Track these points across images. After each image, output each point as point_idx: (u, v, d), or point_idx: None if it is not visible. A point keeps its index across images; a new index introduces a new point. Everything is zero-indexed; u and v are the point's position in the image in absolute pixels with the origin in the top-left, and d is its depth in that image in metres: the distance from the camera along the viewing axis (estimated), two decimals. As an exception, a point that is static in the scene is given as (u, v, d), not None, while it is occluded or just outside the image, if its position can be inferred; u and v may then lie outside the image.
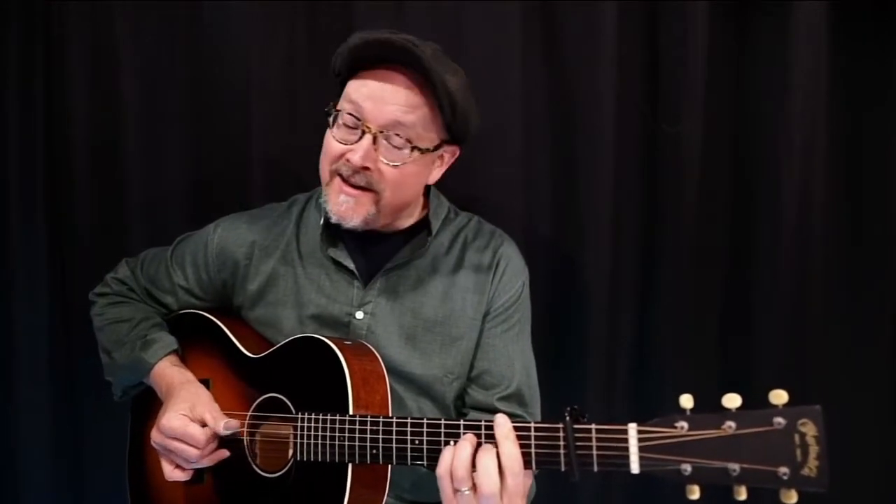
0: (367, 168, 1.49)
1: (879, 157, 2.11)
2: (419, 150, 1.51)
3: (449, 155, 1.64)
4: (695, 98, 2.08)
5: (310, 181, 1.79)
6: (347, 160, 1.49)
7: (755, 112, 2.10)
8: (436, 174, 1.65)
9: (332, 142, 1.52)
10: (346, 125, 1.50)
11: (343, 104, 1.52)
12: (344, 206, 1.52)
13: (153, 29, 2.13)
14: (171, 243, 1.80)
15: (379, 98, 1.47)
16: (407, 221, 1.69)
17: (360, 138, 1.48)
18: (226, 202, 1.96)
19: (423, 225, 1.69)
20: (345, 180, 1.51)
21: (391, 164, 1.50)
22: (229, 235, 1.72)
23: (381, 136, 1.48)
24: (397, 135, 1.48)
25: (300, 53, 2.13)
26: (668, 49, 2.09)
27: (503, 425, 1.23)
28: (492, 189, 2.11)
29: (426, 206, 1.72)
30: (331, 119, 1.52)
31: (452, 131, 1.57)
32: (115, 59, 2.13)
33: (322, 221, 1.64)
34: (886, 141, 2.09)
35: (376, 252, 1.65)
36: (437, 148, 1.57)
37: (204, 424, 1.51)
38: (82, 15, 2.12)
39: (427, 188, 1.73)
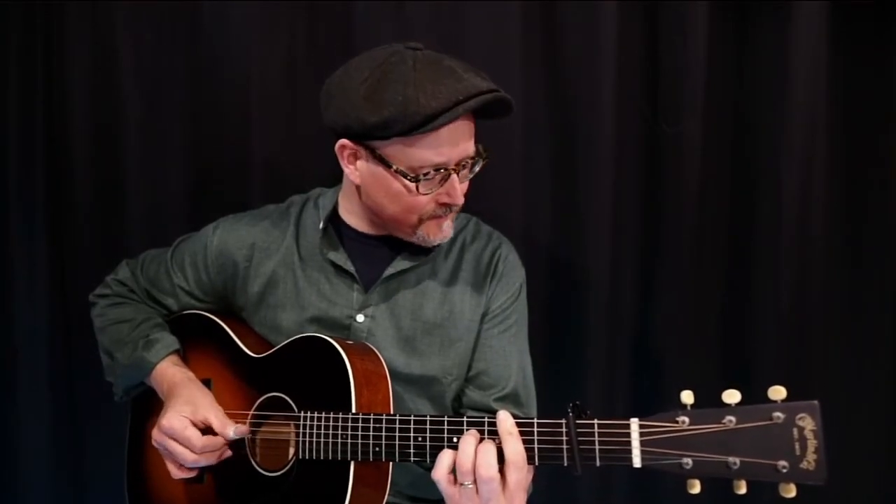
0: None
1: (879, 157, 2.11)
2: (482, 156, 1.53)
3: None
4: (695, 98, 2.08)
5: (310, 182, 1.80)
6: (443, 203, 1.51)
7: (755, 112, 2.10)
8: None
9: (421, 199, 1.49)
10: (433, 180, 1.48)
11: (419, 165, 1.45)
12: (447, 230, 1.57)
13: (153, 29, 2.14)
14: (171, 244, 1.80)
15: (457, 145, 1.45)
16: None
17: (444, 179, 1.47)
18: (226, 202, 1.95)
19: None
20: (440, 217, 1.54)
21: (466, 179, 1.54)
22: (229, 237, 1.72)
23: (460, 168, 1.49)
24: (471, 159, 1.51)
25: (300, 53, 2.13)
26: (668, 49, 2.09)
27: (506, 420, 1.24)
28: (492, 189, 2.09)
29: None
30: (403, 182, 1.47)
31: None
32: (115, 59, 2.14)
33: (321, 225, 1.64)
34: (886, 141, 2.10)
35: (376, 255, 1.64)
36: None
37: (208, 426, 1.50)
38: (82, 15, 2.13)
39: None
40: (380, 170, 1.48)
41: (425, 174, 1.45)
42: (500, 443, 1.23)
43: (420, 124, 1.38)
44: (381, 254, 1.64)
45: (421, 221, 1.53)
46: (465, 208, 1.80)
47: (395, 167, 1.45)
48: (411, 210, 1.52)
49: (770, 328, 2.11)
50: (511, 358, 1.68)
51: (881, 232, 2.12)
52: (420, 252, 1.64)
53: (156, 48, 2.15)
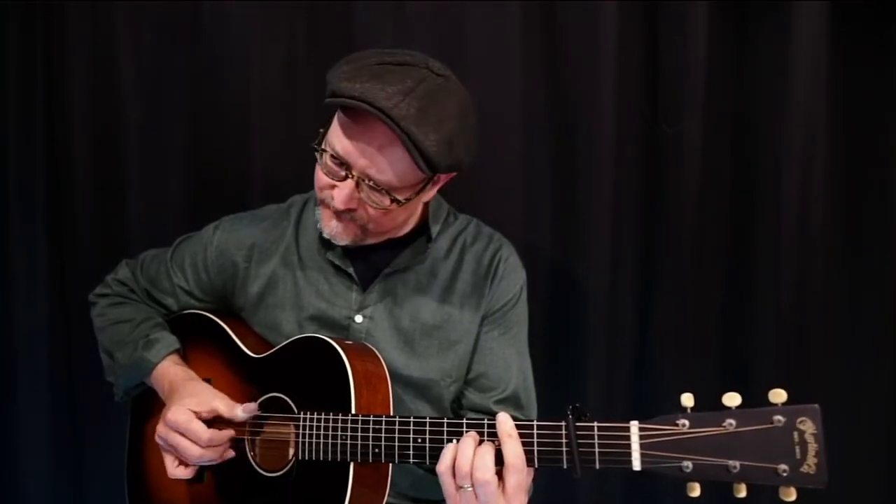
0: (350, 209, 1.47)
1: (879, 157, 2.10)
2: (398, 201, 1.46)
3: (444, 179, 1.57)
4: (695, 98, 2.08)
5: (309, 182, 1.80)
6: (333, 197, 1.47)
7: (755, 112, 2.10)
8: (430, 194, 1.60)
9: (320, 173, 1.48)
10: (329, 162, 1.46)
11: (329, 141, 1.46)
12: (335, 229, 1.52)
13: (153, 29, 2.14)
14: (171, 243, 1.80)
15: (359, 150, 1.40)
16: (405, 230, 1.66)
17: (345, 178, 1.44)
18: (226, 202, 1.96)
19: (422, 229, 1.66)
20: (328, 208, 1.50)
21: (375, 206, 1.46)
22: (229, 237, 1.72)
23: (363, 182, 1.43)
24: (377, 185, 1.43)
25: (300, 53, 2.13)
26: (668, 49, 2.09)
27: (505, 423, 1.23)
28: (491, 189, 2.11)
29: (425, 210, 1.68)
30: (317, 155, 1.48)
31: (441, 171, 1.47)
32: (115, 59, 2.14)
33: (319, 224, 1.65)
34: (886, 141, 2.09)
35: (375, 256, 1.64)
36: (420, 191, 1.51)
37: (215, 417, 1.50)
38: (82, 15, 2.13)
39: None
40: None
41: (324, 150, 1.46)
42: (499, 445, 1.22)
43: (328, 94, 1.39)
44: (380, 255, 1.64)
45: (321, 202, 1.52)
46: (466, 208, 1.81)
47: (323, 136, 1.49)
48: (316, 184, 1.51)
49: (770, 328, 2.11)
50: (511, 360, 1.68)
51: (881, 232, 2.11)
52: (419, 252, 1.64)
53: (156, 48, 2.15)
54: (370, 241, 1.58)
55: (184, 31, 2.14)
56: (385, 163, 1.40)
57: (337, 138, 1.43)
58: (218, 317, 1.70)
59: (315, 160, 1.48)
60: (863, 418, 2.12)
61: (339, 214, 1.49)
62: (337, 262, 1.62)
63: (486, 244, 1.71)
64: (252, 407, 1.50)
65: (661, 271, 2.14)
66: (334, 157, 1.44)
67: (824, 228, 2.10)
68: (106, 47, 2.14)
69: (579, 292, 2.14)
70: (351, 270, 1.62)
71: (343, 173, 1.44)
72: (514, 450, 1.21)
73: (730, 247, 2.14)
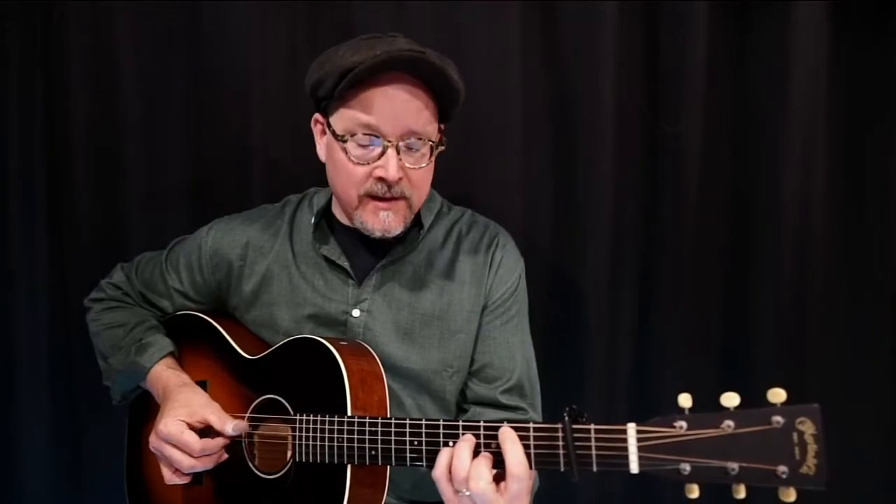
0: (400, 179, 1.48)
1: (879, 156, 2.10)
2: (434, 144, 1.52)
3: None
4: (695, 98, 2.08)
5: (310, 181, 1.80)
6: (381, 178, 1.48)
7: (755, 112, 2.10)
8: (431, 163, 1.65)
9: (352, 166, 1.49)
10: (361, 145, 1.48)
11: (351, 126, 1.48)
12: (386, 220, 1.52)
13: (153, 29, 2.14)
14: (168, 244, 1.81)
15: (391, 110, 1.45)
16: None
17: (383, 153, 1.47)
18: (226, 203, 1.96)
19: (416, 220, 1.66)
20: (379, 198, 1.51)
21: (417, 167, 1.50)
22: (223, 237, 1.72)
23: (401, 144, 1.47)
24: (418, 138, 1.49)
25: (300, 53, 2.12)
26: (668, 49, 2.09)
27: (507, 431, 1.21)
28: (492, 189, 2.11)
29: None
30: (340, 146, 1.49)
31: (447, 115, 1.57)
32: (115, 59, 2.14)
33: (313, 220, 1.65)
34: (887, 140, 2.09)
35: (370, 249, 1.64)
36: (439, 141, 1.57)
37: (206, 427, 1.50)
38: (82, 15, 2.13)
39: None
40: (331, 140, 1.52)
41: (353, 135, 1.47)
42: (499, 449, 1.21)
43: (340, 76, 1.43)
44: (375, 248, 1.64)
45: (360, 201, 1.52)
46: (466, 206, 1.81)
47: (336, 132, 1.49)
48: (349, 182, 1.51)
49: (770, 328, 2.11)
50: (515, 349, 1.68)
51: (881, 232, 2.11)
52: (412, 242, 1.64)
53: (156, 49, 2.15)
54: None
55: (184, 32, 2.14)
56: (415, 111, 1.47)
57: (363, 112, 1.46)
58: (213, 318, 1.70)
59: (318, 170, 1.50)
60: (863, 418, 2.12)
61: (386, 200, 1.51)
62: (332, 256, 1.62)
63: (483, 233, 1.71)
64: (242, 426, 1.50)
65: (661, 271, 2.14)
66: (367, 132, 1.47)
67: (824, 228, 2.10)
68: (106, 47, 2.14)
69: (578, 292, 2.13)
70: (346, 265, 1.62)
71: (379, 148, 1.47)
72: (516, 457, 1.19)
73: (730, 247, 2.14)
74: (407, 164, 1.49)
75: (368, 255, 1.64)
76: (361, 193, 1.51)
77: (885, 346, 2.13)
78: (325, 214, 1.68)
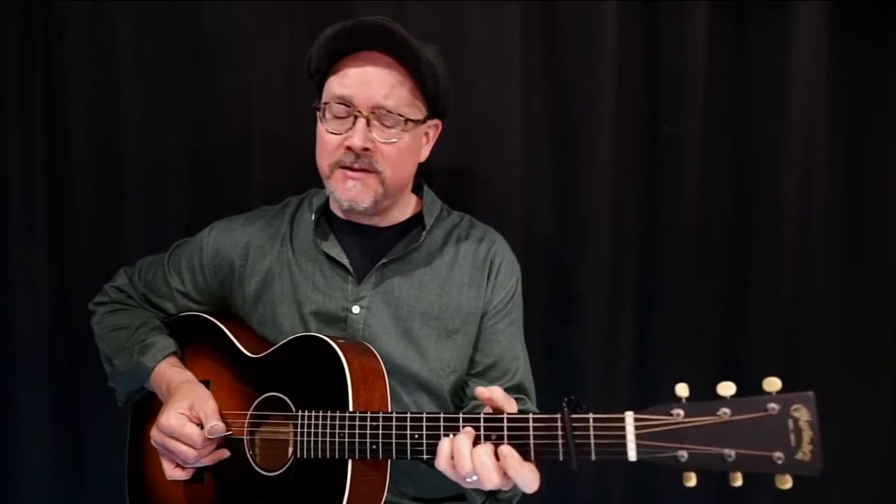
0: (367, 149, 1.52)
1: (879, 156, 2.10)
2: (411, 121, 1.55)
3: (433, 130, 1.68)
4: (695, 98, 2.08)
5: (310, 181, 1.80)
6: (348, 147, 1.52)
7: (755, 112, 2.10)
8: (425, 152, 1.68)
9: (327, 135, 1.55)
10: (336, 116, 1.54)
11: (328, 97, 1.55)
12: (353, 190, 1.56)
13: (153, 29, 2.14)
14: (170, 246, 1.82)
15: (364, 82, 1.51)
16: (401, 215, 1.71)
17: (354, 124, 1.51)
18: (227, 203, 1.97)
19: (416, 221, 1.71)
20: (348, 167, 1.54)
21: (388, 141, 1.54)
22: (224, 238, 1.73)
23: (373, 117, 1.52)
24: (388, 112, 1.52)
25: (300, 53, 2.11)
26: (668, 49, 2.09)
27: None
28: (491, 189, 2.11)
29: (420, 203, 1.75)
30: (319, 115, 1.57)
31: (436, 103, 1.61)
32: (115, 59, 2.14)
33: (313, 217, 1.66)
34: (887, 140, 2.09)
35: (370, 247, 1.66)
36: (425, 120, 1.60)
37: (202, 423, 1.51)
38: (82, 15, 2.13)
39: (421, 186, 1.76)
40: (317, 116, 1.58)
41: (328, 105, 1.54)
42: (498, 440, 1.23)
43: (317, 49, 1.55)
44: (375, 244, 1.66)
45: (332, 171, 1.56)
46: (465, 207, 1.81)
47: (317, 106, 1.57)
48: (323, 151, 1.57)
49: (770, 328, 2.11)
50: (518, 349, 1.72)
51: (881, 232, 2.11)
52: (413, 241, 1.66)
53: (156, 49, 2.15)
54: (387, 203, 1.63)
55: (184, 31, 2.14)
56: (388, 85, 1.52)
57: (338, 84, 1.53)
58: (215, 318, 1.71)
59: (313, 168, 1.52)
60: (862, 416, 2.12)
61: (355, 171, 1.54)
62: (331, 253, 1.64)
63: (481, 238, 1.74)
64: (219, 428, 1.51)
65: (661, 271, 2.13)
66: (340, 101, 1.52)
67: (824, 228, 2.10)
68: (106, 47, 2.14)
69: (579, 291, 2.13)
70: (345, 261, 1.63)
71: (351, 118, 1.52)
72: (527, 477, 1.23)
73: (730, 246, 2.14)
74: (378, 138, 1.53)
75: (368, 253, 1.66)
76: (332, 162, 1.56)
77: (885, 345, 2.12)
78: (325, 212, 1.70)
